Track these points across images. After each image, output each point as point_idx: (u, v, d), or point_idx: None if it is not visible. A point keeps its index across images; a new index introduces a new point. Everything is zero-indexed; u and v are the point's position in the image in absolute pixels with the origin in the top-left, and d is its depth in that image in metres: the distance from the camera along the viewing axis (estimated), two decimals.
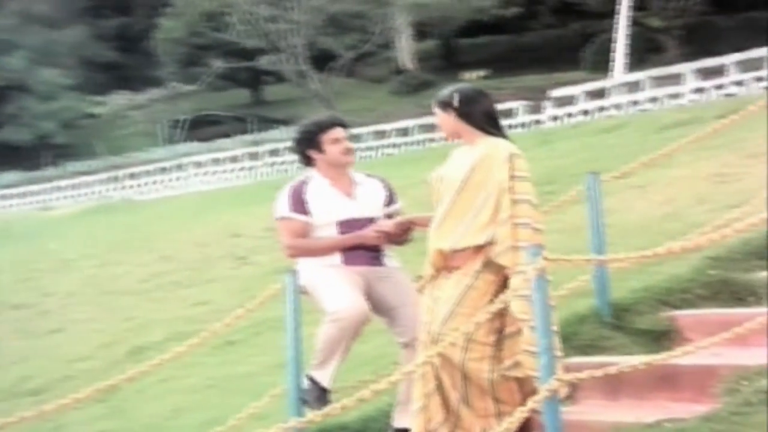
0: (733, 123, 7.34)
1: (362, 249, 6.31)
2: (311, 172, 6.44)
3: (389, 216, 6.44)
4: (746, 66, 20.63)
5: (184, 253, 14.36)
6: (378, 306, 6.25)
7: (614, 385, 6.24)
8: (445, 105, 5.91)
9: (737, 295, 7.07)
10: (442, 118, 5.94)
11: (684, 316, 6.90)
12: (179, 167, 35.49)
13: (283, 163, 31.80)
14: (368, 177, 6.53)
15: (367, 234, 6.25)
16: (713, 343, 5.50)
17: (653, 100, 21.31)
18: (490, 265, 5.71)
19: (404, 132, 30.16)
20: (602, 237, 7.10)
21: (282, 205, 6.37)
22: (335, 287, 6.16)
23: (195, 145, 42.57)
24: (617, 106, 22.26)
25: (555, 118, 23.62)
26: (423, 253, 6.87)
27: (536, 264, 5.31)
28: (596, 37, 40.42)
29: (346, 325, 6.02)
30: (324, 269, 6.28)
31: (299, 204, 6.30)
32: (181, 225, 17.22)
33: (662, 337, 6.84)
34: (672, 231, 8.02)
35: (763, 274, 7.15)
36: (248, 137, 41.64)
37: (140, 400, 8.26)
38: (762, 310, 6.72)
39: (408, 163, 18.55)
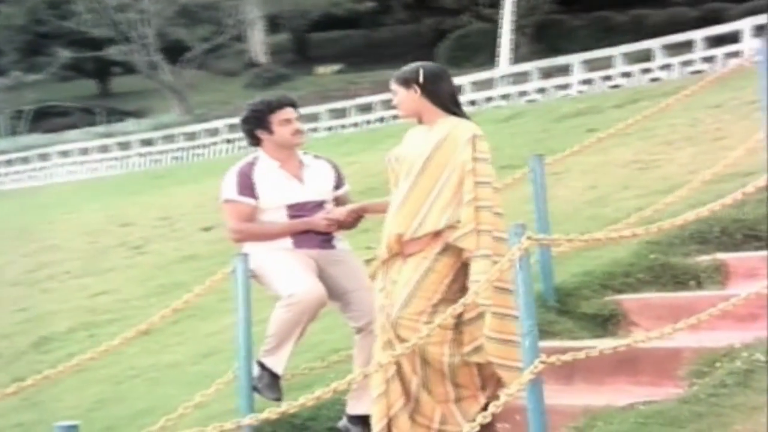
0: (670, 106, 7.39)
1: (313, 232, 6.15)
2: (258, 153, 6.25)
3: (338, 199, 6.31)
4: (633, 58, 21.07)
5: (72, 242, 13.85)
6: (331, 290, 6.10)
7: (567, 370, 6.21)
8: (408, 82, 5.74)
9: (678, 279, 7.13)
10: (403, 96, 5.75)
11: (629, 300, 6.93)
12: (42, 157, 34.42)
13: (153, 153, 31.09)
14: (316, 159, 6.37)
15: (317, 221, 6.09)
16: (689, 324, 5.50)
17: (541, 91, 21.58)
18: (449, 248, 5.61)
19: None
20: (547, 220, 7.07)
21: (229, 187, 6.16)
22: (289, 270, 5.99)
23: (41, 137, 41.33)
24: (505, 97, 22.50)
25: None
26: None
27: (521, 243, 5.21)
28: (451, 33, 40.85)
29: (303, 309, 5.86)
30: (274, 252, 6.11)
31: (247, 186, 6.11)
32: (62, 214, 16.63)
33: (608, 322, 6.87)
34: (603, 216, 8.07)
35: (702, 258, 7.23)
36: (97, 129, 40.63)
37: (56, 391, 7.87)
38: (707, 293, 6.81)
39: None
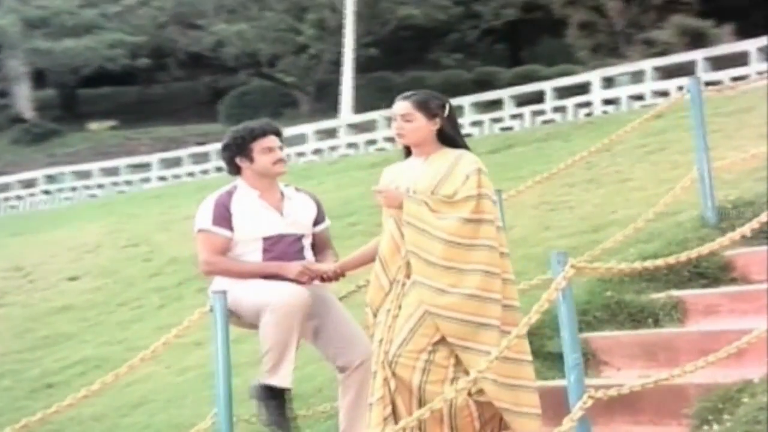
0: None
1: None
2: (237, 182, 5.87)
3: (317, 235, 5.97)
4: (483, 108, 21.22)
5: None
6: (309, 328, 5.70)
7: (555, 410, 5.97)
8: (434, 113, 5.43)
9: (635, 317, 7.00)
10: (422, 124, 5.42)
11: (597, 338, 6.76)
12: None
13: None
14: (298, 191, 6.01)
15: (292, 269, 5.67)
16: (719, 357, 5.34)
17: (391, 140, 21.44)
18: None
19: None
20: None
21: (204, 217, 5.75)
22: (266, 285, 5.57)
23: None
24: (351, 146, 22.32)
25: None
26: None
27: (565, 272, 4.95)
28: (231, 91, 40.54)
29: (292, 310, 5.44)
30: (250, 283, 5.67)
31: (223, 217, 5.71)
32: None
33: None
34: (537, 256, 7.90)
35: (656, 295, 7.13)
36: None
37: None
38: (683, 330, 6.71)
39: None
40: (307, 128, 25.11)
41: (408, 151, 5.60)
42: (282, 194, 5.87)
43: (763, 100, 10.20)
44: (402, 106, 5.44)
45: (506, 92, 21.15)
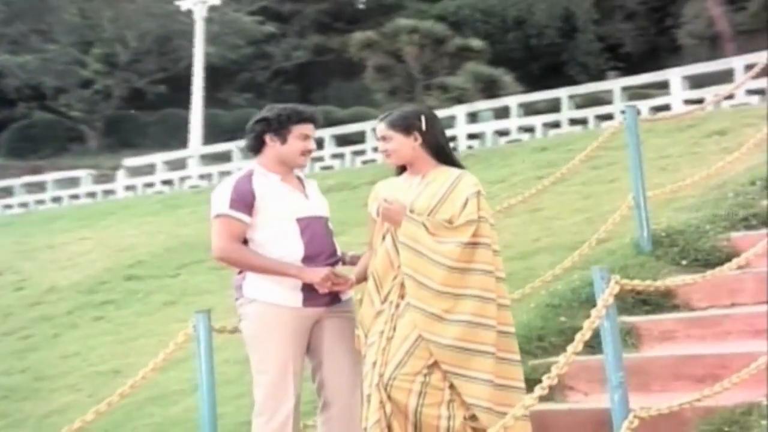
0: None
1: None
2: (253, 166, 5.34)
3: None
4: (345, 140, 21.07)
5: None
6: (312, 347, 5.29)
7: None
8: (409, 129, 5.19)
9: (588, 342, 6.79)
10: (401, 143, 5.20)
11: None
12: None
13: None
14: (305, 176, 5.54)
15: (315, 275, 5.15)
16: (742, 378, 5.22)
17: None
18: None
19: None
20: None
21: (222, 200, 5.22)
22: (277, 366, 5.13)
23: None
24: (204, 177, 21.61)
25: (129, 188, 22.29)
26: None
27: (611, 288, 4.73)
28: (10, 124, 38.98)
29: (288, 422, 5.10)
30: (277, 311, 5.16)
31: (243, 201, 5.19)
32: None
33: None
34: None
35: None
36: None
37: None
38: (651, 355, 6.60)
39: None
40: (156, 158, 24.32)
41: (400, 168, 5.33)
42: (299, 179, 5.41)
43: (647, 135, 10.38)
44: (379, 128, 5.28)
45: (370, 125, 21.18)
